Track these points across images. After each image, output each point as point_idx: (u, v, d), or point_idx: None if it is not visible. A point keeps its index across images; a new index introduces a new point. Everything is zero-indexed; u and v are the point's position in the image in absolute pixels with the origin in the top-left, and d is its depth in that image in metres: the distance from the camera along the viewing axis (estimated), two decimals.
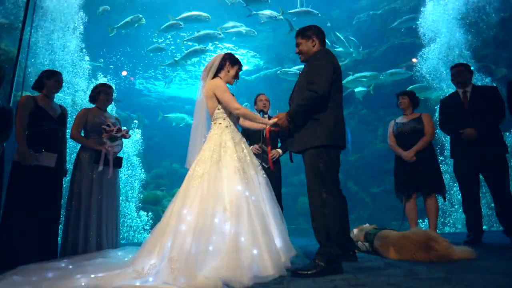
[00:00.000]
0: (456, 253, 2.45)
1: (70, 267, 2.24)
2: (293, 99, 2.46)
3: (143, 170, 8.42)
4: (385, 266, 2.34)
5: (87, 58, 7.85)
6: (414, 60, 9.26)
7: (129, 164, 7.95)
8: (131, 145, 8.10)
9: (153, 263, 1.95)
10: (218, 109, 2.48)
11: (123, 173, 7.69)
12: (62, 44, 7.22)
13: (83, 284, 1.83)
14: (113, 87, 3.63)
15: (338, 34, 9.93)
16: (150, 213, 8.24)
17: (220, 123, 2.47)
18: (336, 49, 10.08)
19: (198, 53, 10.39)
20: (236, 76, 2.64)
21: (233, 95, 2.55)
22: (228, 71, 2.59)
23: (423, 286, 1.70)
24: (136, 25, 9.84)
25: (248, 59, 14.34)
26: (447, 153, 5.98)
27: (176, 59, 10.95)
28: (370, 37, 11.34)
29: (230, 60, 2.60)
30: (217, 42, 11.15)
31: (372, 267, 2.33)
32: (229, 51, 2.77)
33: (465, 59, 7.46)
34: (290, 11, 9.78)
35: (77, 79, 7.40)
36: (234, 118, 2.55)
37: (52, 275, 2.02)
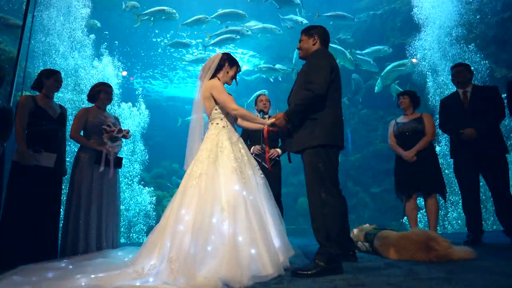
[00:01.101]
0: (456, 253, 2.45)
1: (70, 267, 2.24)
2: (291, 99, 2.46)
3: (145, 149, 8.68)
4: (385, 266, 2.34)
5: (92, 36, 7.84)
6: (414, 60, 9.26)
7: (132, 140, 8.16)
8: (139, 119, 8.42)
9: (153, 263, 1.95)
10: (216, 109, 2.48)
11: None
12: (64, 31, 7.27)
13: (83, 284, 1.83)
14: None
15: (360, 56, 9.95)
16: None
17: (217, 123, 2.46)
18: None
19: (229, 41, 10.35)
20: (234, 77, 2.64)
21: (230, 94, 2.55)
22: (227, 72, 2.58)
23: (423, 286, 1.70)
24: (164, 17, 9.75)
25: (248, 59, 14.35)
26: None
27: (206, 45, 10.81)
28: (370, 37, 11.35)
29: (229, 60, 2.59)
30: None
31: (372, 267, 2.33)
32: (226, 51, 2.75)
33: (465, 59, 7.46)
34: (326, 14, 9.95)
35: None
36: (232, 118, 2.55)
37: (52, 275, 2.02)
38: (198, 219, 2.01)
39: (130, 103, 8.58)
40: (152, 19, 9.87)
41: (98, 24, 8.71)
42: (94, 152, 3.17)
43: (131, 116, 8.34)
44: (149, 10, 9.74)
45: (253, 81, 13.88)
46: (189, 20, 9.88)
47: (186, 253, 1.87)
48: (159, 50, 13.52)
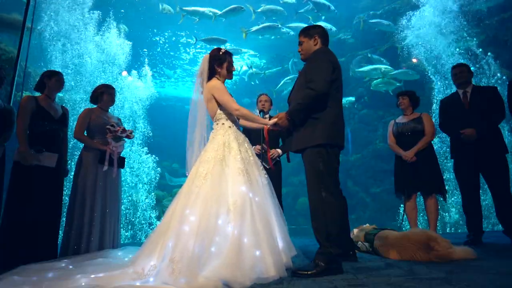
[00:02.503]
0: (456, 253, 2.45)
1: (70, 267, 2.24)
2: (291, 98, 2.46)
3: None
4: (385, 266, 2.34)
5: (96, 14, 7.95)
6: (414, 60, 9.26)
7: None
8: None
9: (153, 264, 1.95)
10: (219, 110, 2.47)
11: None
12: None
13: (83, 284, 1.83)
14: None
15: (396, 71, 9.80)
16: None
17: (223, 124, 2.44)
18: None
19: (271, 30, 10.48)
20: (230, 71, 2.57)
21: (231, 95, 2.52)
22: (220, 72, 2.54)
23: (423, 286, 1.70)
24: (198, 16, 10.13)
25: (248, 58, 14.35)
26: None
27: (247, 31, 10.85)
28: (370, 37, 11.35)
29: (216, 61, 2.53)
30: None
31: (372, 267, 2.34)
32: (214, 48, 2.64)
33: (465, 59, 7.47)
34: (372, 21, 10.22)
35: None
36: (236, 118, 2.54)
37: (52, 275, 2.02)
38: (203, 220, 1.99)
39: (135, 72, 8.70)
40: (195, 17, 10.25)
41: (126, 29, 8.96)
42: (98, 152, 3.18)
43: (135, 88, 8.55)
44: (191, 8, 10.16)
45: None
46: (224, 10, 10.02)
47: (190, 254, 1.85)
48: (158, 49, 13.52)
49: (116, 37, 8.21)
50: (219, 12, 10.01)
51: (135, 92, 8.62)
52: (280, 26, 10.39)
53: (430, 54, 8.05)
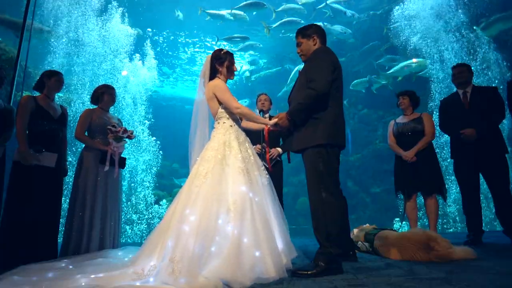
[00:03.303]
0: (456, 253, 2.45)
1: (70, 267, 2.24)
2: (292, 98, 2.45)
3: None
4: (385, 266, 2.34)
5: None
6: (414, 60, 9.26)
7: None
8: None
9: (153, 265, 1.94)
10: (221, 109, 2.47)
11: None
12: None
13: (83, 284, 1.83)
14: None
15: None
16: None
17: (224, 122, 2.44)
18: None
19: (293, 26, 10.57)
20: (231, 71, 2.58)
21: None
22: (221, 71, 2.55)
23: (423, 286, 1.70)
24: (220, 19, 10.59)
25: (248, 58, 14.37)
26: None
27: (269, 27, 11.05)
28: (370, 37, 11.35)
29: (217, 61, 2.55)
30: (213, 42, 11.40)
31: (372, 267, 2.34)
32: (216, 48, 2.69)
33: (465, 59, 7.48)
34: (390, 26, 10.14)
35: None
36: (237, 117, 2.53)
37: (52, 275, 2.02)
38: (203, 220, 1.98)
39: (138, 55, 8.91)
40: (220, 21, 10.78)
41: (141, 32, 9.20)
42: (99, 152, 3.18)
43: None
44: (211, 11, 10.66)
45: (253, 81, 13.88)
46: (243, 4, 10.23)
47: (190, 254, 1.85)
48: (158, 49, 13.55)
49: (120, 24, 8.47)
50: (233, 12, 10.27)
51: (138, 78, 8.87)
52: (302, 22, 10.41)
53: (430, 53, 8.06)
